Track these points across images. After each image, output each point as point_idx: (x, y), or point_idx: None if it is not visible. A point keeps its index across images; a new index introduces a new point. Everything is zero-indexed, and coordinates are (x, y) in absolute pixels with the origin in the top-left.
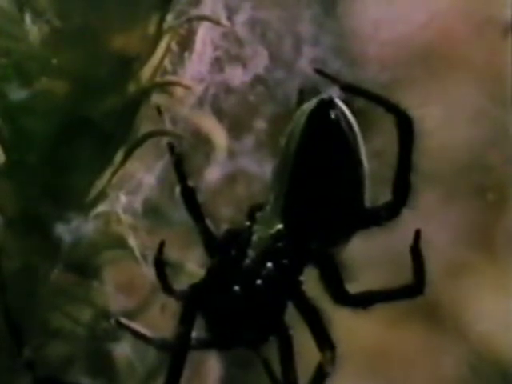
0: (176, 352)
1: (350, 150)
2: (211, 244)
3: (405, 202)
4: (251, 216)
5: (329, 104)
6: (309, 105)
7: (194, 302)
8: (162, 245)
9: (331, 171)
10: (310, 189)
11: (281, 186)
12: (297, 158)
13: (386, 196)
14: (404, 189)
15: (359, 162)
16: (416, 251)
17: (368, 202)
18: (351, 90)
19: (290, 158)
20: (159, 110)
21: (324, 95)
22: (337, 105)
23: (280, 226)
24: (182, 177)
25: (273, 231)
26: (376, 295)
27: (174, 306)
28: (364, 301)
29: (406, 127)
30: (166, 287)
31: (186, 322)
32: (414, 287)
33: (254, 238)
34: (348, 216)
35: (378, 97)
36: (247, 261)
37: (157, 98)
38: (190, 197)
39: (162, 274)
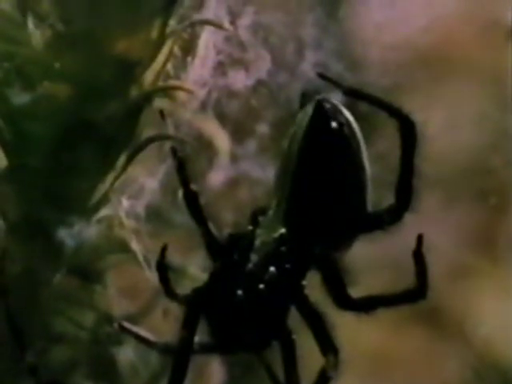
0: (179, 356)
1: (352, 152)
2: (214, 248)
3: (408, 207)
4: (254, 220)
5: (330, 106)
6: (310, 108)
7: (197, 305)
8: (164, 249)
9: (333, 175)
10: (312, 193)
11: (283, 190)
12: (299, 161)
13: (388, 200)
14: (407, 193)
15: (361, 165)
16: (419, 256)
17: (371, 205)
18: (354, 94)
19: (293, 162)
20: (162, 114)
21: (323, 97)
22: (338, 107)
23: (283, 231)
24: (185, 181)
25: (275, 235)
26: (379, 300)
27: (176, 310)
28: (367, 305)
29: (408, 131)
30: (169, 291)
31: (189, 325)
32: (417, 291)
33: (257, 242)
34: (351, 220)
35: (381, 101)
36: (250, 265)
37: (159, 103)
38: (192, 200)
39: (164, 278)
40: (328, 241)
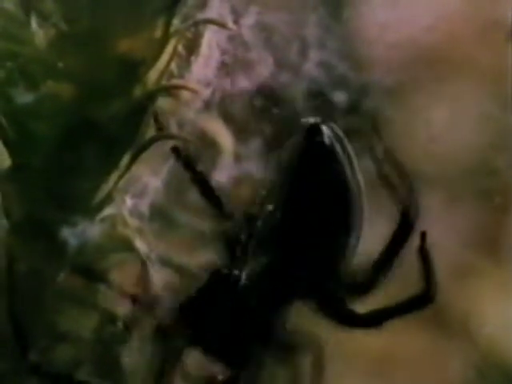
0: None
1: (343, 181)
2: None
3: (371, 290)
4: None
5: (320, 132)
6: (300, 136)
7: (182, 319)
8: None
9: (322, 204)
10: (300, 221)
11: (272, 216)
12: (290, 187)
13: (388, 200)
14: (375, 280)
15: (351, 195)
16: (423, 253)
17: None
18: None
19: (284, 187)
20: (156, 117)
21: (313, 121)
22: (328, 132)
23: (270, 258)
24: (194, 171)
25: (263, 262)
26: (385, 312)
27: None
28: (374, 320)
29: (405, 229)
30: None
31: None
32: (424, 296)
33: (245, 269)
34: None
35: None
36: (240, 283)
37: (163, 102)
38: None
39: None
40: (313, 271)
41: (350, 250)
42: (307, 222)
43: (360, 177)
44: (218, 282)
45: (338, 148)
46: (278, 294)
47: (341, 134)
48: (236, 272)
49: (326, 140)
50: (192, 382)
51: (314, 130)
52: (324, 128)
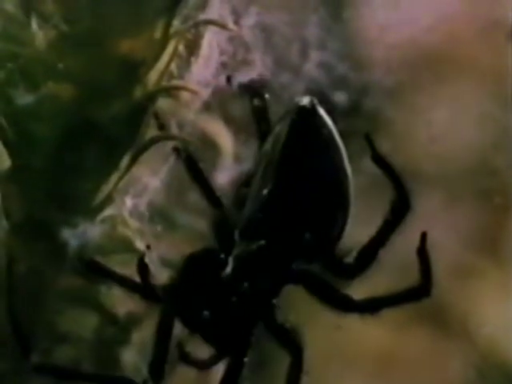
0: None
1: (330, 159)
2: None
3: (363, 271)
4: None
5: (310, 112)
6: (290, 112)
7: (171, 305)
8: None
9: (312, 187)
10: (291, 201)
11: (262, 197)
12: (279, 169)
13: (388, 200)
14: (368, 260)
15: (340, 175)
16: (423, 253)
17: (355, 210)
18: (380, 162)
19: (273, 169)
20: (156, 115)
21: (304, 101)
22: (318, 112)
23: (262, 242)
24: (195, 170)
25: (254, 247)
26: (382, 300)
27: None
28: (371, 306)
29: (401, 211)
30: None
31: (164, 326)
32: (421, 289)
33: (235, 250)
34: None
35: (398, 178)
36: (227, 271)
37: (163, 103)
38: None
39: (145, 278)
40: (305, 255)
41: (340, 230)
42: (298, 202)
43: (347, 160)
44: (200, 266)
45: (329, 127)
46: (267, 278)
47: (330, 119)
48: (222, 256)
49: (320, 119)
50: None
51: (307, 109)
52: (318, 107)
